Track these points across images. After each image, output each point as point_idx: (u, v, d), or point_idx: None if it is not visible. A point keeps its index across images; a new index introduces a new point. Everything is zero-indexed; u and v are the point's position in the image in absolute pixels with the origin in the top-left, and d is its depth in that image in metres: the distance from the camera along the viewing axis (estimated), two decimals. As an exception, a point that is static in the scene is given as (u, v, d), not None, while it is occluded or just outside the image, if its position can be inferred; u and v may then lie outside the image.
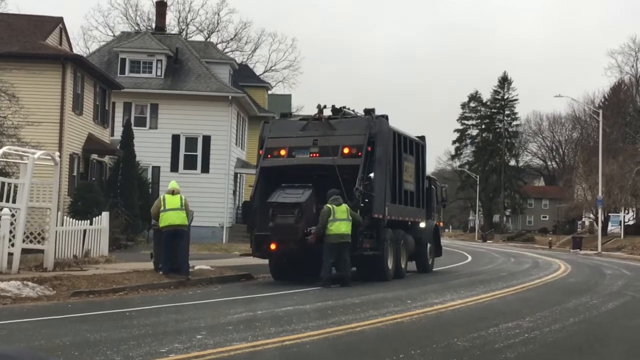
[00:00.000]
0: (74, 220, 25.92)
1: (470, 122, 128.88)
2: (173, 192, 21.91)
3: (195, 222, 24.56)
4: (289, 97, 75.57)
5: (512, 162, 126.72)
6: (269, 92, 66.84)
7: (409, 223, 27.38)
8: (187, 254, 22.15)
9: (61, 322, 13.65)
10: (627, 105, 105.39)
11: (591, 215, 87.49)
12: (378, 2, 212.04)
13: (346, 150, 23.64)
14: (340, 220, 21.88)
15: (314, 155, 24.04)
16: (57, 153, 24.69)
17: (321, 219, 21.82)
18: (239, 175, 50.77)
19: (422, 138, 29.17)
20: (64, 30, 39.74)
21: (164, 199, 21.74)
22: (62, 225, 24.48)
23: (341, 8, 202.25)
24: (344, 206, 21.98)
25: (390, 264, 24.38)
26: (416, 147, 28.04)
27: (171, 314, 14.83)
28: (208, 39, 79.60)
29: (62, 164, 29.08)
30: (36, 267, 21.73)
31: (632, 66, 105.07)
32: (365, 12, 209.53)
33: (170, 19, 78.89)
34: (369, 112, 24.60)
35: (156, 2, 62.13)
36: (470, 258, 45.92)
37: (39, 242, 22.16)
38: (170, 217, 21.49)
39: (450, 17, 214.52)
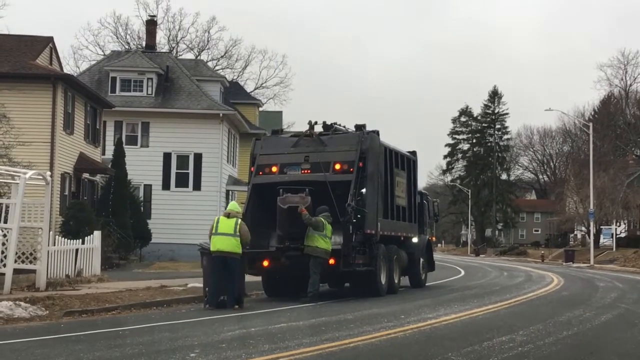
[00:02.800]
0: (66, 239, 25.87)
1: (461, 137, 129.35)
2: (229, 215, 19.90)
3: (187, 239, 24.23)
4: (280, 113, 75.63)
5: (504, 176, 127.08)
6: (260, 109, 66.89)
7: (402, 238, 27.37)
8: (243, 285, 20.33)
9: (54, 342, 13.59)
10: (617, 118, 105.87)
11: (583, 228, 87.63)
12: (369, 19, 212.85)
13: (337, 166, 23.64)
14: (329, 238, 21.99)
15: (306, 171, 24.03)
16: (49, 173, 24.68)
17: (315, 224, 21.83)
18: (230, 192, 50.71)
19: (413, 153, 29.21)
20: (54, 49, 39.75)
21: (217, 221, 19.81)
22: (54, 244, 24.43)
23: (333, 24, 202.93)
24: (330, 225, 22.13)
25: (383, 280, 24.35)
26: (407, 162, 28.07)
27: (164, 332, 14.78)
28: (198, 57, 79.71)
29: (53, 183, 29.02)
30: (28, 287, 21.67)
31: (622, 79, 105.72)
32: (357, 29, 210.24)
33: (161, 37, 79.08)
34: (359, 127, 24.64)
35: (146, 21, 62.31)
36: (463, 272, 45.91)
37: (31, 262, 22.10)
38: (218, 242, 19.52)
39: (442, 33, 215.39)
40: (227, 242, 19.56)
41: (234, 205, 20.51)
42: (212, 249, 19.71)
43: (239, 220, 19.88)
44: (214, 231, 19.76)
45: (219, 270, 19.67)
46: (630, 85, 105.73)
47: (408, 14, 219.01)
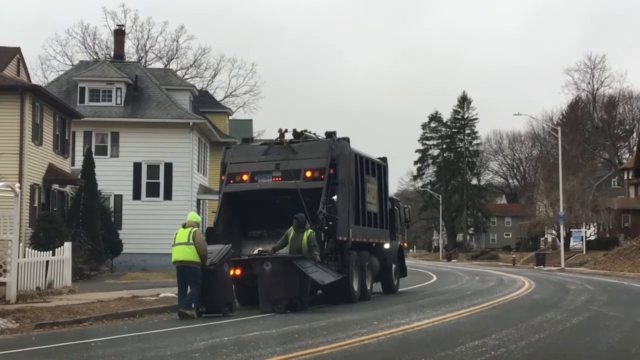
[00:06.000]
0: (36, 251, 25.67)
1: (431, 142, 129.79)
2: (185, 225, 20.14)
3: (160, 249, 24.06)
4: (250, 122, 75.56)
5: (474, 181, 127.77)
6: (230, 117, 66.74)
7: (374, 244, 27.42)
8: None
9: (25, 355, 13.49)
10: (585, 122, 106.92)
11: (553, 232, 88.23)
12: (340, 26, 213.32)
13: (308, 174, 23.68)
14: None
15: (277, 179, 24.04)
16: (17, 184, 24.52)
17: (315, 242, 21.86)
18: (202, 201, 50.56)
19: (384, 159, 29.30)
20: (21, 60, 39.50)
21: (176, 234, 20.14)
22: (24, 256, 24.23)
23: (304, 31, 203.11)
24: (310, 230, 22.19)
25: (355, 286, 24.36)
26: (378, 168, 28.15)
27: (136, 343, 14.69)
28: (167, 66, 79.46)
29: (22, 195, 28.78)
30: (-2, 300, 21.49)
31: (588, 83, 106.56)
32: (328, 36, 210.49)
33: (129, 46, 78.63)
34: (330, 135, 24.71)
35: (114, 31, 61.99)
36: (435, 278, 46.05)
37: (0, 274, 21.92)
38: (175, 252, 19.86)
39: (412, 40, 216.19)
40: (182, 252, 19.82)
41: (192, 216, 20.62)
42: (172, 260, 20.05)
43: (194, 229, 19.95)
44: (173, 243, 20.06)
45: (180, 280, 20.02)
46: (597, 89, 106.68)
47: (380, 21, 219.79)
